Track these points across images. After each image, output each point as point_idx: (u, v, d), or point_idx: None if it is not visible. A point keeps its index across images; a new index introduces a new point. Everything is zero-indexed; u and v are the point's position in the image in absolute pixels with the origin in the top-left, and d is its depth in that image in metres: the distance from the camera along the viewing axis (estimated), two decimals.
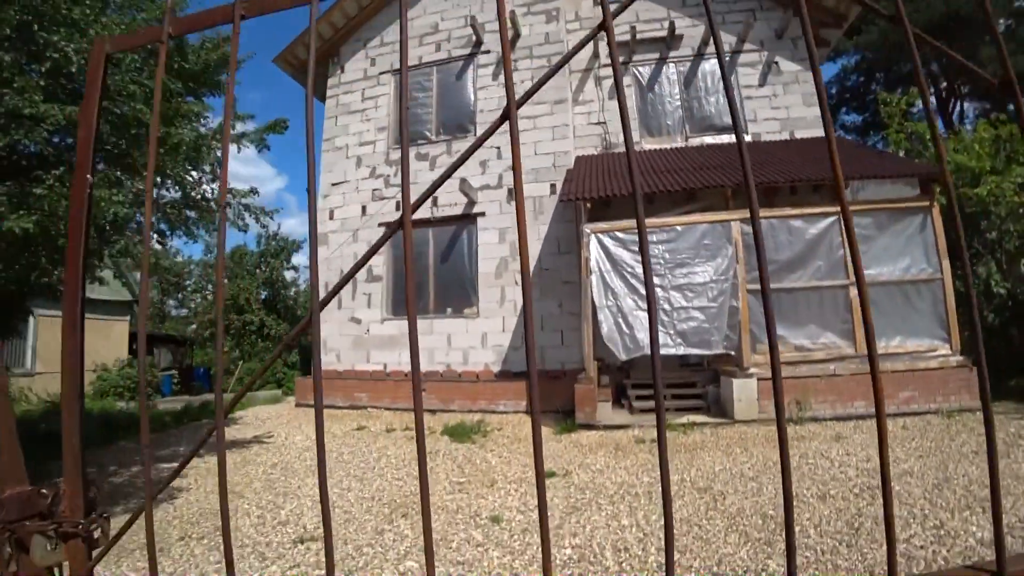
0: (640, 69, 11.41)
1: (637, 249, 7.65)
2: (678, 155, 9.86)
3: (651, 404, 7.80)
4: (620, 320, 7.48)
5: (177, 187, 6.12)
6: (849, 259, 7.29)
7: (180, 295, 23.89)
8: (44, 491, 0.84)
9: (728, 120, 10.97)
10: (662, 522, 4.02)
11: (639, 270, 7.57)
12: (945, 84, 19.94)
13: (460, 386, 9.43)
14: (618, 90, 0.75)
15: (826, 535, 3.56)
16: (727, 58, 11.15)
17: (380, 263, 10.67)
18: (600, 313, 7.49)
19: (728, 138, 10.79)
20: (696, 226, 7.60)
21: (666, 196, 8.28)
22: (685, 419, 7.17)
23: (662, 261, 7.57)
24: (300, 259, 23.65)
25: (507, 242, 9.91)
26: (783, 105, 10.81)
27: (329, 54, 12.24)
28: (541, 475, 0.69)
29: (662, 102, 11.24)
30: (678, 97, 11.20)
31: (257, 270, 19.81)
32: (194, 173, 6.02)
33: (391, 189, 10.88)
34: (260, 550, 3.99)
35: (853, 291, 7.27)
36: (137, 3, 5.37)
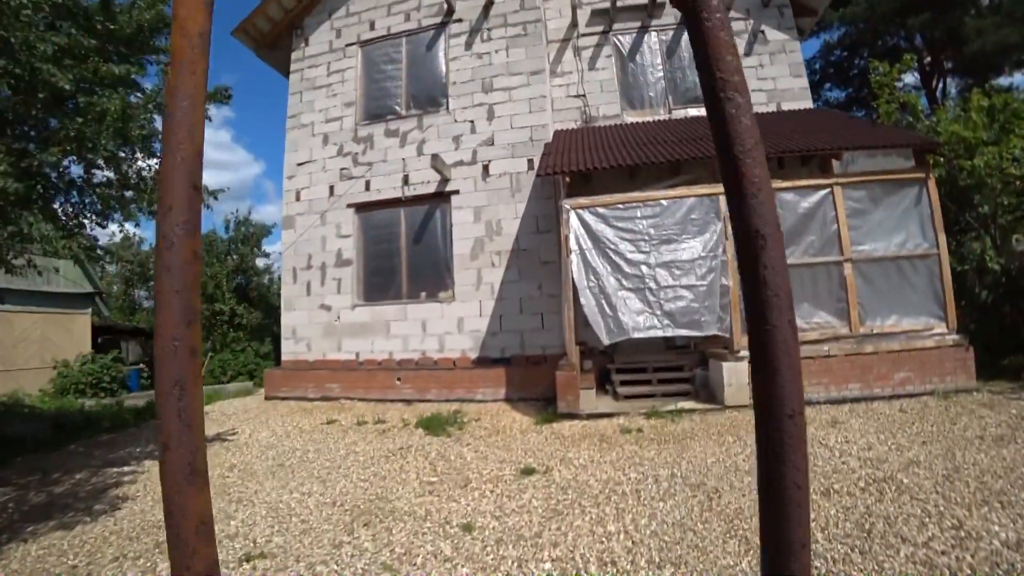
0: (621, 38, 10.85)
1: (620, 225, 7.18)
2: (662, 127, 9.37)
3: (637, 390, 7.41)
4: (603, 301, 7.03)
5: (109, 165, 5.46)
6: (844, 234, 6.93)
7: (148, 285, 22.85)
8: None
9: None
10: (652, 528, 3.63)
11: (623, 247, 7.11)
12: (929, 59, 19.64)
13: (436, 374, 8.94)
14: None
15: (835, 540, 3.17)
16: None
17: (350, 246, 10.06)
18: (582, 295, 7.03)
19: None
20: (683, 200, 7.14)
21: (650, 169, 7.81)
22: (673, 405, 6.79)
23: (646, 237, 7.11)
24: (270, 245, 22.84)
25: (483, 221, 9.37)
26: (769, 76, 10.36)
27: (293, 26, 11.44)
28: None
29: (644, 73, 10.72)
30: (660, 68, 10.68)
31: (228, 257, 18.97)
32: (127, 149, 5.36)
33: (360, 168, 10.23)
34: None
35: (847, 268, 6.91)
36: None
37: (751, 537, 3.29)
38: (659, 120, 10.22)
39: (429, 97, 10.25)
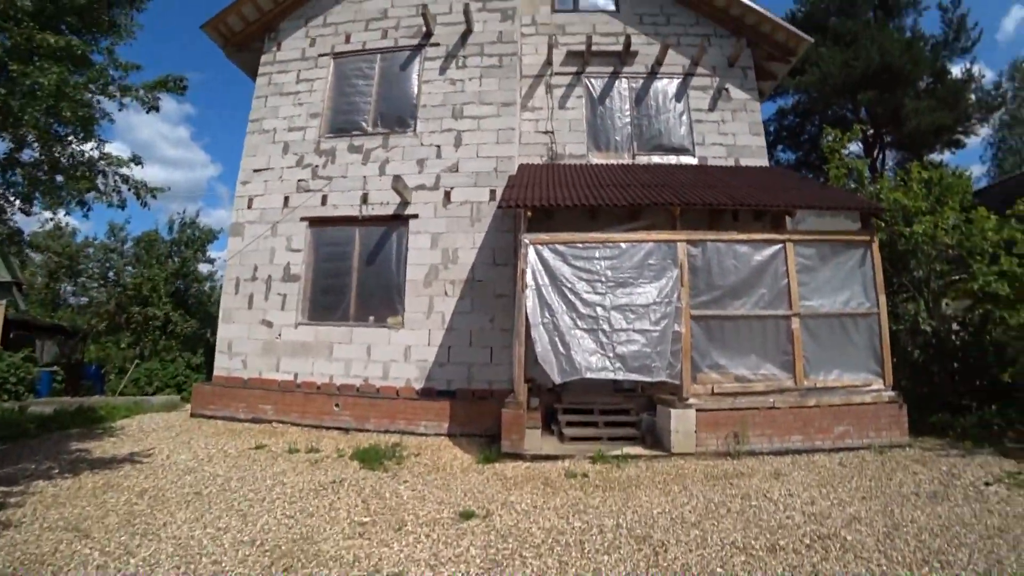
0: (592, 81, 11.11)
1: (578, 264, 7.14)
2: (625, 171, 9.52)
3: (583, 432, 7.26)
4: (556, 339, 6.91)
5: (41, 144, 5.01)
6: (792, 289, 7.12)
7: (77, 281, 21.21)
8: None
9: (676, 142, 10.84)
10: None
11: (579, 287, 7.05)
12: (872, 132, 21.13)
13: (377, 403, 8.53)
14: None
15: None
16: (679, 79, 11.06)
17: (299, 261, 9.62)
18: (535, 331, 6.90)
19: (675, 159, 10.63)
20: (641, 244, 7.19)
21: (612, 211, 7.88)
22: (619, 450, 6.67)
23: (603, 279, 7.09)
24: (216, 251, 21.76)
25: (439, 248, 9.17)
26: (730, 132, 10.81)
27: (267, 28, 11.13)
28: None
29: (612, 116, 10.97)
30: (628, 113, 10.97)
31: (168, 259, 17.89)
32: (62, 129, 4.93)
33: (318, 181, 9.89)
34: None
35: (795, 322, 7.08)
36: None
37: None
38: (623, 164, 10.42)
39: (398, 117, 10.10)
